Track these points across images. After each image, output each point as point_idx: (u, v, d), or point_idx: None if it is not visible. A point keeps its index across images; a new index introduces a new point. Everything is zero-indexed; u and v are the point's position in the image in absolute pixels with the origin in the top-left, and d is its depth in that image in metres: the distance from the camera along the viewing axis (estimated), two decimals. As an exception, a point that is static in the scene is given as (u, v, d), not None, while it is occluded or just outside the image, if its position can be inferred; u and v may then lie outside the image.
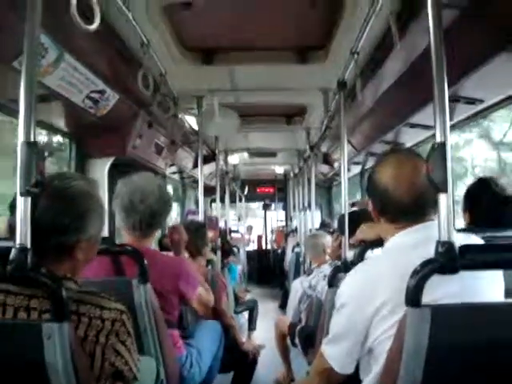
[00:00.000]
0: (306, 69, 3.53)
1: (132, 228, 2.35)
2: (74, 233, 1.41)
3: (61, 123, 3.40)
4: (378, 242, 1.79)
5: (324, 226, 7.11)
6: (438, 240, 1.26)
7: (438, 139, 1.29)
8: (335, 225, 7.38)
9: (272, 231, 12.54)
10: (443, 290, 1.37)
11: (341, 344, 1.63)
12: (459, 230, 1.42)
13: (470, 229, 2.49)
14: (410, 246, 1.56)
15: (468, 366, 1.30)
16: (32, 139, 1.25)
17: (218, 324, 3.21)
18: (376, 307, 1.50)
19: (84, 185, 1.47)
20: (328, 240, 4.44)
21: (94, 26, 1.83)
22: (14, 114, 2.57)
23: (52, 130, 3.49)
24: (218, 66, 3.52)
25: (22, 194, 1.23)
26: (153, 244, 2.58)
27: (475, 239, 1.65)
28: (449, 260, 1.24)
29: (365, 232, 2.34)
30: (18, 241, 1.22)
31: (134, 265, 2.05)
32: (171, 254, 2.85)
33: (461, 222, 2.71)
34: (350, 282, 1.66)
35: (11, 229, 1.32)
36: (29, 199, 1.24)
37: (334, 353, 1.65)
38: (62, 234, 1.38)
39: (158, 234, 2.67)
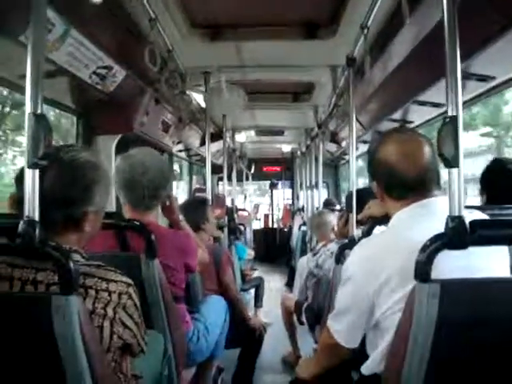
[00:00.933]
0: (315, 45, 3.49)
1: (135, 202, 2.34)
2: (82, 204, 1.42)
3: (67, 99, 3.38)
4: (386, 219, 1.78)
5: (328, 204, 7.09)
6: (449, 215, 1.26)
7: (450, 113, 1.28)
8: (339, 204, 7.42)
9: (279, 209, 12.55)
10: (448, 265, 1.37)
11: (346, 317, 1.64)
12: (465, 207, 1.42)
13: (476, 206, 2.48)
14: (414, 221, 1.57)
15: (477, 340, 1.30)
16: (39, 111, 1.25)
17: (222, 299, 3.24)
18: (382, 281, 1.51)
19: (90, 156, 1.48)
20: (333, 218, 4.45)
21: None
22: (22, 89, 2.57)
23: (59, 106, 3.47)
24: (226, 42, 3.49)
25: (29, 167, 1.22)
26: (157, 218, 2.58)
27: (479, 215, 1.65)
28: (458, 235, 1.23)
29: (373, 208, 2.34)
30: (25, 213, 1.22)
31: (140, 239, 2.05)
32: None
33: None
34: (355, 256, 1.68)
35: (17, 203, 1.32)
36: (37, 172, 1.23)
37: (339, 327, 1.67)
38: (70, 205, 1.39)
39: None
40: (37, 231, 1.21)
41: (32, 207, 1.23)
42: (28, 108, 1.24)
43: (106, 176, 1.52)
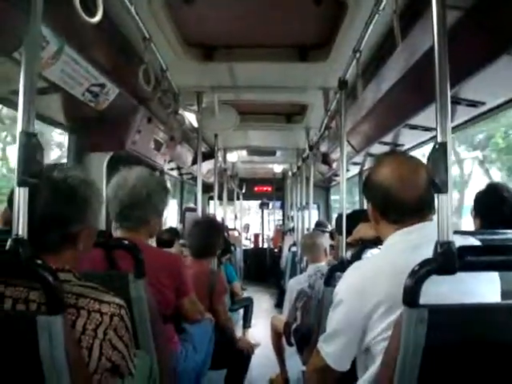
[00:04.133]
0: (307, 67, 3.52)
1: (120, 221, 2.36)
2: (77, 222, 1.43)
3: (60, 116, 3.38)
4: (376, 242, 1.79)
5: (319, 225, 7.10)
6: (437, 240, 1.26)
7: (440, 139, 1.29)
8: (332, 225, 7.42)
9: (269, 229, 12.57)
10: (436, 290, 1.36)
11: (337, 341, 1.63)
12: (456, 232, 1.43)
13: (467, 232, 2.50)
14: (408, 245, 1.57)
15: (465, 366, 1.30)
16: (31, 130, 1.25)
17: (209, 319, 3.19)
18: (373, 305, 1.51)
19: (82, 174, 1.49)
20: (324, 240, 4.45)
21: (96, 19, 1.81)
22: (15, 106, 2.56)
23: (51, 122, 3.47)
24: (219, 63, 3.51)
25: (19, 184, 1.22)
26: (149, 240, 2.57)
27: (472, 241, 1.65)
28: (447, 260, 1.23)
29: (363, 230, 2.34)
30: (14, 231, 1.21)
31: (128, 259, 2.03)
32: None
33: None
34: (347, 279, 1.67)
35: (6, 221, 1.32)
36: (27, 190, 1.22)
37: (330, 349, 1.65)
38: (66, 223, 1.40)
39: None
40: (24, 249, 1.20)
41: (21, 225, 1.22)
42: (20, 126, 1.24)
43: (99, 194, 1.54)
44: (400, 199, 1.62)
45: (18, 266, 1.21)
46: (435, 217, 1.58)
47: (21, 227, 1.22)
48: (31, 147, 1.23)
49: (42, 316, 1.20)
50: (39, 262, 1.22)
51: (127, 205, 2.33)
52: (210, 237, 3.38)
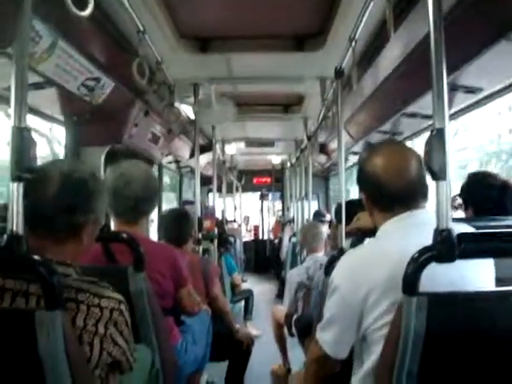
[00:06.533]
0: (304, 57, 3.50)
1: (117, 213, 2.37)
2: (84, 212, 1.47)
3: (56, 111, 3.37)
4: (374, 231, 1.79)
5: (318, 215, 7.12)
6: (436, 228, 1.25)
7: (437, 125, 1.28)
8: (330, 215, 7.43)
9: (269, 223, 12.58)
10: (432, 278, 1.36)
11: (333, 328, 1.64)
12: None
13: (462, 219, 2.50)
14: (399, 232, 1.60)
15: (465, 354, 1.29)
16: (23, 125, 1.24)
17: (206, 311, 3.19)
18: (366, 291, 1.52)
19: (88, 168, 1.54)
20: (324, 229, 4.45)
21: (87, 12, 1.79)
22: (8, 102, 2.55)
23: (47, 117, 3.46)
24: (215, 54, 3.49)
25: (13, 180, 1.21)
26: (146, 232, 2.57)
27: (465, 228, 1.65)
28: (447, 248, 1.23)
29: (362, 220, 2.34)
30: (9, 227, 1.21)
31: (126, 252, 2.03)
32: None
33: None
34: (342, 266, 1.69)
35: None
36: (21, 185, 1.22)
37: (328, 337, 1.66)
38: (72, 212, 1.44)
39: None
40: (20, 245, 1.20)
41: (16, 221, 1.22)
42: (12, 121, 1.23)
43: (104, 187, 1.59)
44: (390, 188, 1.64)
45: (14, 262, 1.21)
46: (428, 204, 1.60)
47: (16, 223, 1.21)
48: (24, 142, 1.23)
49: (41, 311, 1.19)
50: (36, 257, 1.22)
51: (138, 199, 2.33)
52: (180, 225, 3.38)
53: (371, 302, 1.52)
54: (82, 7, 1.77)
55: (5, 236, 1.21)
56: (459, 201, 2.80)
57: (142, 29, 2.66)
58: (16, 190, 1.22)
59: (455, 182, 2.38)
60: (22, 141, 1.23)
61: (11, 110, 1.25)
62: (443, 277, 1.39)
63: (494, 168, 16.40)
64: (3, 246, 1.19)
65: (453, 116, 3.31)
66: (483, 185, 2.60)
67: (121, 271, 1.99)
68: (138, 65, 2.73)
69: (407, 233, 1.55)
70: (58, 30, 2.30)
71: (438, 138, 1.27)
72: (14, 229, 1.21)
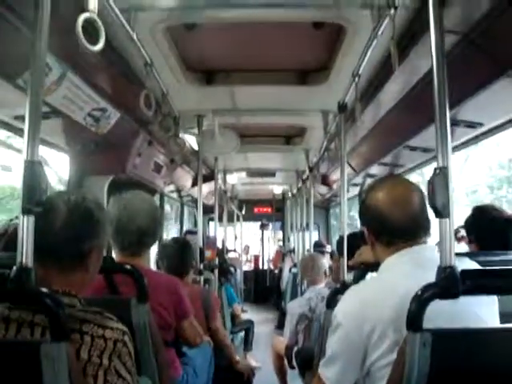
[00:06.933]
0: (307, 90, 3.55)
1: (122, 248, 2.35)
2: (90, 240, 1.49)
3: (61, 140, 3.40)
4: (378, 265, 1.79)
5: (318, 246, 7.09)
6: (440, 265, 1.26)
7: (440, 164, 1.30)
8: (330, 246, 7.42)
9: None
10: (435, 314, 1.37)
11: (337, 364, 1.62)
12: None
13: (465, 253, 2.50)
14: (401, 268, 1.59)
15: None
16: (36, 158, 1.25)
17: (208, 342, 3.17)
18: (370, 328, 1.51)
19: (92, 197, 1.57)
20: (324, 261, 4.45)
21: (98, 47, 1.83)
22: (18, 131, 2.58)
23: (51, 146, 3.48)
24: (220, 87, 3.54)
25: (24, 213, 1.22)
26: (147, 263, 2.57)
27: (470, 263, 1.66)
28: (451, 285, 1.24)
29: (365, 254, 2.34)
30: (18, 259, 1.21)
31: (129, 283, 2.03)
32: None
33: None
34: (345, 302, 1.68)
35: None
36: (31, 218, 1.23)
37: (330, 374, 1.64)
38: (79, 241, 1.46)
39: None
40: (29, 278, 1.20)
41: (26, 253, 1.22)
42: (24, 154, 1.25)
43: (108, 217, 1.62)
44: (392, 223, 1.64)
45: (22, 295, 1.22)
46: (430, 240, 1.61)
47: (25, 255, 1.22)
48: (36, 176, 1.24)
49: (46, 343, 1.19)
50: (43, 289, 1.22)
51: (142, 233, 2.33)
52: (183, 256, 3.36)
53: (375, 338, 1.51)
54: (94, 42, 1.80)
55: (14, 268, 1.21)
56: (462, 233, 2.81)
57: (149, 61, 2.71)
58: (26, 222, 1.23)
59: (464, 206, 2.40)
60: (34, 174, 1.24)
61: (24, 143, 1.26)
62: (447, 310, 1.39)
63: (506, 193, 16.37)
64: (12, 277, 1.20)
65: (453, 150, 3.33)
66: (488, 218, 2.60)
67: (124, 303, 1.99)
68: (145, 96, 2.77)
69: (410, 269, 1.55)
70: (68, 63, 2.35)
71: (441, 177, 1.29)
72: (24, 261, 1.21)
